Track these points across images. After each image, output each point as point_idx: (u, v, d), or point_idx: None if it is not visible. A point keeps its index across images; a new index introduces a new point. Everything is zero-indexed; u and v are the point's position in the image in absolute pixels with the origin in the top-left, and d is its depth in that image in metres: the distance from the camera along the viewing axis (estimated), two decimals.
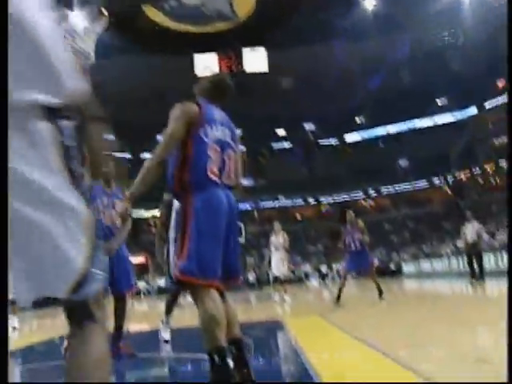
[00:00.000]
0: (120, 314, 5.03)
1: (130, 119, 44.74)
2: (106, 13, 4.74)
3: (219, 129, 3.19)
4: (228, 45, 40.34)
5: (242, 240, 5.77)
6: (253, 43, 43.10)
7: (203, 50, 39.56)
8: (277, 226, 12.67)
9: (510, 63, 2.89)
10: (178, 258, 3.00)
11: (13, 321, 10.41)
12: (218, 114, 3.27)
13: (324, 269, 33.67)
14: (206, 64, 41.11)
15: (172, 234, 5.30)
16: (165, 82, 42.42)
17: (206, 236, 2.96)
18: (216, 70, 39.79)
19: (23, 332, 10.17)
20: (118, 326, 4.98)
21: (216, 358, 2.77)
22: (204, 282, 2.94)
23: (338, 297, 9.68)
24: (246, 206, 42.45)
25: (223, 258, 3.04)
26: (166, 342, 5.80)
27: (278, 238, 12.41)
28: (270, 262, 12.80)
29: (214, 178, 3.09)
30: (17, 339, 8.69)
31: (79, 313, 1.51)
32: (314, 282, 30.52)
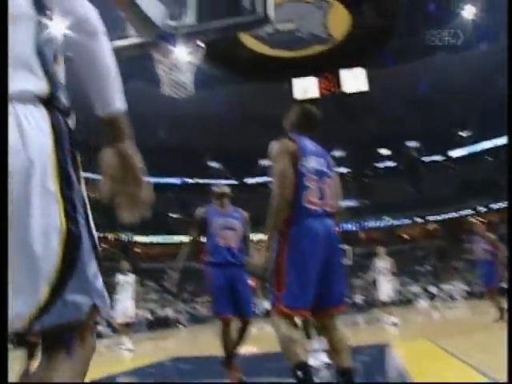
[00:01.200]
0: (242, 338, 4.99)
1: (232, 146, 46.00)
2: (203, 45, 4.90)
3: (314, 159, 3.27)
4: (326, 67, 40.40)
5: (349, 262, 5.71)
6: (351, 64, 42.87)
7: (301, 73, 39.87)
8: (380, 250, 12.40)
9: (510, 63, 2.94)
10: (276, 290, 3.05)
11: (127, 343, 10.89)
12: (310, 144, 3.35)
13: (433, 289, 32.36)
14: (305, 87, 41.31)
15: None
16: (264, 108, 43.19)
17: (301, 267, 3.00)
18: (315, 93, 39.83)
19: (137, 353, 10.53)
20: (234, 349, 4.94)
21: (299, 373, 2.79)
22: (295, 312, 3.03)
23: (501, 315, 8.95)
24: (350, 226, 41.97)
25: (325, 286, 3.08)
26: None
27: (383, 262, 12.15)
28: (375, 285, 12.52)
29: (312, 208, 3.14)
30: (131, 360, 9.02)
31: (48, 340, 1.39)
32: (423, 303, 29.39)
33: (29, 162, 1.30)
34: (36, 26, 1.46)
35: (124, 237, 41.27)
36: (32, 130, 1.33)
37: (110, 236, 40.85)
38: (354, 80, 44.64)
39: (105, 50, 1.51)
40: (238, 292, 4.89)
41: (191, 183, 47.48)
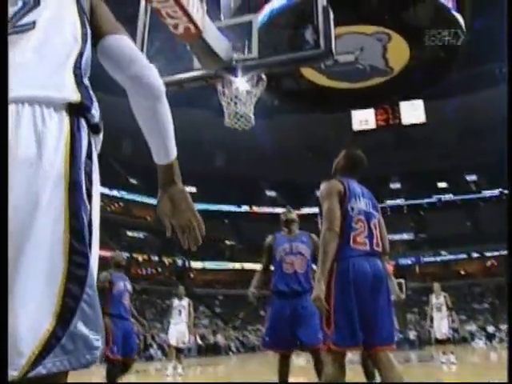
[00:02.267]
0: (318, 371, 4.59)
1: (289, 175, 46.15)
2: (265, 77, 4.99)
3: (362, 201, 3.43)
4: (384, 98, 40.15)
5: (402, 296, 5.59)
6: (409, 95, 42.49)
7: (359, 104, 39.81)
8: (436, 286, 12.07)
9: (510, 63, 3.02)
10: (326, 328, 3.15)
11: (177, 367, 10.96)
12: (358, 187, 3.52)
13: (491, 329, 31.09)
14: (363, 119, 41.21)
15: None
16: (322, 139, 43.27)
17: (348, 305, 3.09)
18: (372, 124, 39.68)
19: (187, 378, 10.56)
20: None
21: None
22: (343, 350, 3.15)
23: None
24: (406, 261, 41.12)
25: (373, 324, 3.14)
26: None
27: (438, 298, 11.81)
28: (431, 321, 12.16)
29: (359, 248, 3.28)
30: None
31: None
32: (480, 343, 28.28)
33: (42, 171, 1.28)
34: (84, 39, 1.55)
35: (180, 262, 41.72)
36: (49, 134, 1.32)
37: (167, 261, 41.37)
38: (412, 112, 44.20)
39: (164, 108, 1.63)
40: (301, 321, 4.71)
41: (248, 211, 47.73)
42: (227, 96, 4.60)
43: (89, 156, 1.42)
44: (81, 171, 1.36)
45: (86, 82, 1.52)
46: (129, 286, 6.42)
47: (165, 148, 1.65)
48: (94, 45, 1.64)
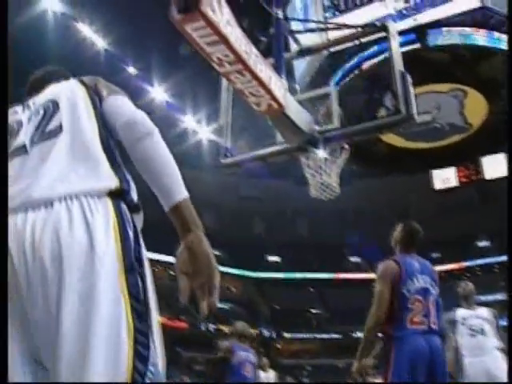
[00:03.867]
0: None
1: (373, 239, 45.21)
2: (347, 147, 5.02)
3: (420, 278, 3.46)
4: (465, 155, 39.19)
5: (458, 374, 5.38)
6: (490, 150, 41.34)
7: (439, 164, 38.99)
8: None
9: (510, 64, 3.00)
10: None
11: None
12: (416, 263, 3.57)
13: None
14: (444, 178, 40.29)
15: None
16: (405, 201, 42.43)
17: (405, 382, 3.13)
18: (455, 182, 38.65)
19: None
20: None
21: None
22: None
23: None
24: (503, 322, 38.69)
25: None
26: None
27: None
28: None
29: (416, 327, 3.31)
30: None
31: None
32: None
33: (96, 259, 1.35)
34: (98, 120, 1.64)
35: (266, 333, 41.20)
36: (98, 222, 1.40)
37: (253, 331, 40.97)
38: (495, 166, 42.70)
39: (157, 147, 1.60)
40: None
41: (332, 278, 46.86)
42: (311, 168, 4.63)
43: (135, 235, 1.50)
44: (131, 252, 1.43)
45: (119, 159, 1.63)
46: (252, 358, 6.27)
47: (167, 188, 1.56)
48: None
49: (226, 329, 41.21)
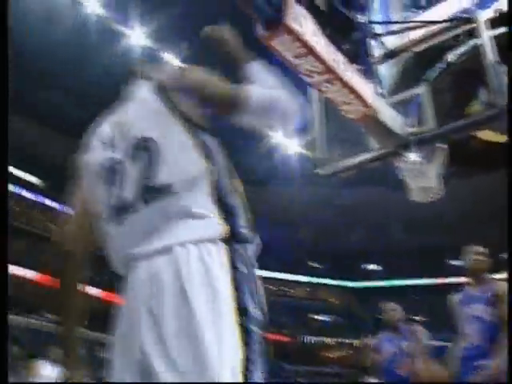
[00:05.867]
0: None
1: (476, 243, 43.22)
2: (445, 147, 4.79)
3: None
4: None
5: None
6: None
7: None
8: None
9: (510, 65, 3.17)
10: None
11: None
12: None
13: None
14: None
15: None
16: (504, 201, 40.42)
17: None
18: None
19: None
20: None
21: None
22: None
23: None
24: None
25: None
26: None
27: None
28: None
29: None
30: None
31: None
32: None
33: (213, 295, 1.53)
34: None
35: None
36: (213, 265, 1.58)
37: (356, 343, 40.32)
38: None
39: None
40: None
41: (433, 283, 45.29)
42: (409, 171, 4.51)
43: (251, 269, 1.70)
44: (245, 294, 1.61)
45: (229, 197, 1.76)
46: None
47: None
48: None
49: (329, 341, 40.88)
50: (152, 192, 1.70)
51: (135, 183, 1.72)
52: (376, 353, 5.37)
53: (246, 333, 1.55)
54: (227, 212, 1.73)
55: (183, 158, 1.72)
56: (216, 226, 1.67)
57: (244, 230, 1.75)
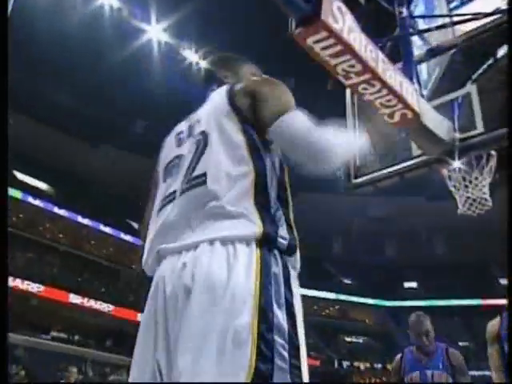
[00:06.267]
0: None
1: None
2: (493, 152, 4.77)
3: None
4: None
5: None
6: None
7: None
8: None
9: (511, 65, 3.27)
10: None
11: None
12: None
13: None
14: None
15: None
16: None
17: None
18: None
19: None
20: None
21: None
22: None
23: None
24: None
25: None
26: None
27: None
28: None
29: None
30: None
31: None
32: None
33: (231, 297, 1.56)
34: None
35: None
36: (238, 264, 1.63)
37: (390, 367, 39.93)
38: None
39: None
40: None
41: (479, 304, 44.57)
42: (455, 180, 4.45)
43: (286, 278, 1.71)
44: (271, 292, 1.63)
45: (273, 203, 1.81)
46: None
47: None
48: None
49: (361, 365, 40.47)
50: (190, 181, 1.82)
51: (183, 174, 1.86)
52: (395, 374, 4.88)
53: (261, 340, 1.55)
54: (270, 217, 1.77)
55: (228, 154, 1.80)
56: (251, 226, 1.71)
57: (285, 240, 1.78)
